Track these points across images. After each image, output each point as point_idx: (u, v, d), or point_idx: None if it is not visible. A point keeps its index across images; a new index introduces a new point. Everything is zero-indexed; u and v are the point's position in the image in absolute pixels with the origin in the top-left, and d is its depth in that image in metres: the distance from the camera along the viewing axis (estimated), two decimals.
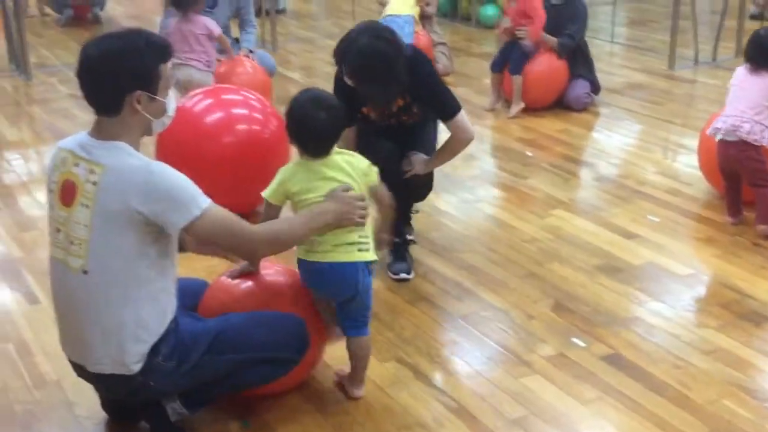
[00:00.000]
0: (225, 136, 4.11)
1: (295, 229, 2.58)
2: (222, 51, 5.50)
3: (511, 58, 5.79)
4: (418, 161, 3.60)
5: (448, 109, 3.48)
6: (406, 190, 3.58)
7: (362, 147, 3.24)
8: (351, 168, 2.72)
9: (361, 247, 2.73)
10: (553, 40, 5.74)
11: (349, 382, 2.90)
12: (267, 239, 2.52)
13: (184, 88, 5.02)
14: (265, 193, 2.74)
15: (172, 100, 2.51)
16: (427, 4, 6.63)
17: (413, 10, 6.47)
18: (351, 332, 2.80)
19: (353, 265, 2.71)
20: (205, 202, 2.38)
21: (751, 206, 4.13)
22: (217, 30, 5.34)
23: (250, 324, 2.62)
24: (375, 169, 2.79)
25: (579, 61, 5.92)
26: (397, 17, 6.39)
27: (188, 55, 5.24)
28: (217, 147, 4.07)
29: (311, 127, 2.66)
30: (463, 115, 3.49)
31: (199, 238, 2.48)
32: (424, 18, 6.78)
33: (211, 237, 2.43)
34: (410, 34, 6.34)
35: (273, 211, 2.75)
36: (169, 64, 2.46)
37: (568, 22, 5.79)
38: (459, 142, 3.55)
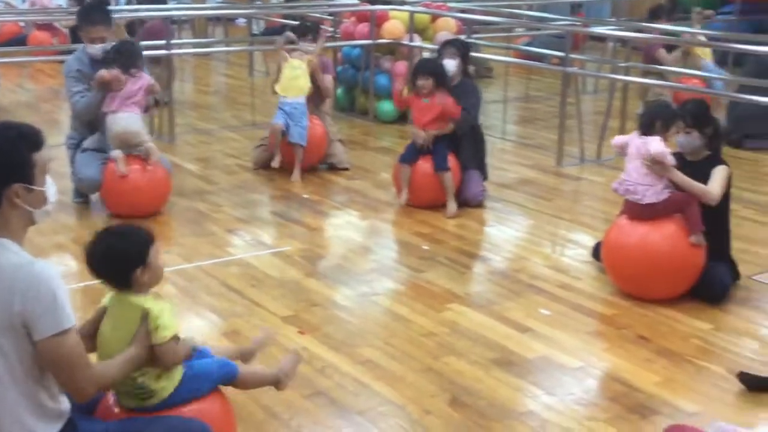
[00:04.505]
0: None
1: (116, 374, 2.56)
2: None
3: (436, 155, 5.85)
4: None
5: None
6: None
7: None
8: (148, 317, 2.64)
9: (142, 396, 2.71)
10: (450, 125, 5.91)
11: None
12: (98, 384, 2.48)
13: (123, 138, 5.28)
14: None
15: (51, 187, 2.47)
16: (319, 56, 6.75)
17: (303, 91, 6.61)
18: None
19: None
20: (73, 320, 2.34)
21: (631, 297, 4.31)
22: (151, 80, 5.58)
23: (153, 428, 2.56)
24: (167, 333, 2.64)
25: (470, 151, 6.09)
26: (292, 101, 6.57)
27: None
28: None
29: (91, 253, 2.68)
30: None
31: (46, 356, 2.32)
32: (319, 104, 6.91)
33: (59, 359, 2.33)
34: (303, 115, 6.53)
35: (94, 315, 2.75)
36: (43, 151, 2.41)
37: (461, 100, 5.92)
38: None
